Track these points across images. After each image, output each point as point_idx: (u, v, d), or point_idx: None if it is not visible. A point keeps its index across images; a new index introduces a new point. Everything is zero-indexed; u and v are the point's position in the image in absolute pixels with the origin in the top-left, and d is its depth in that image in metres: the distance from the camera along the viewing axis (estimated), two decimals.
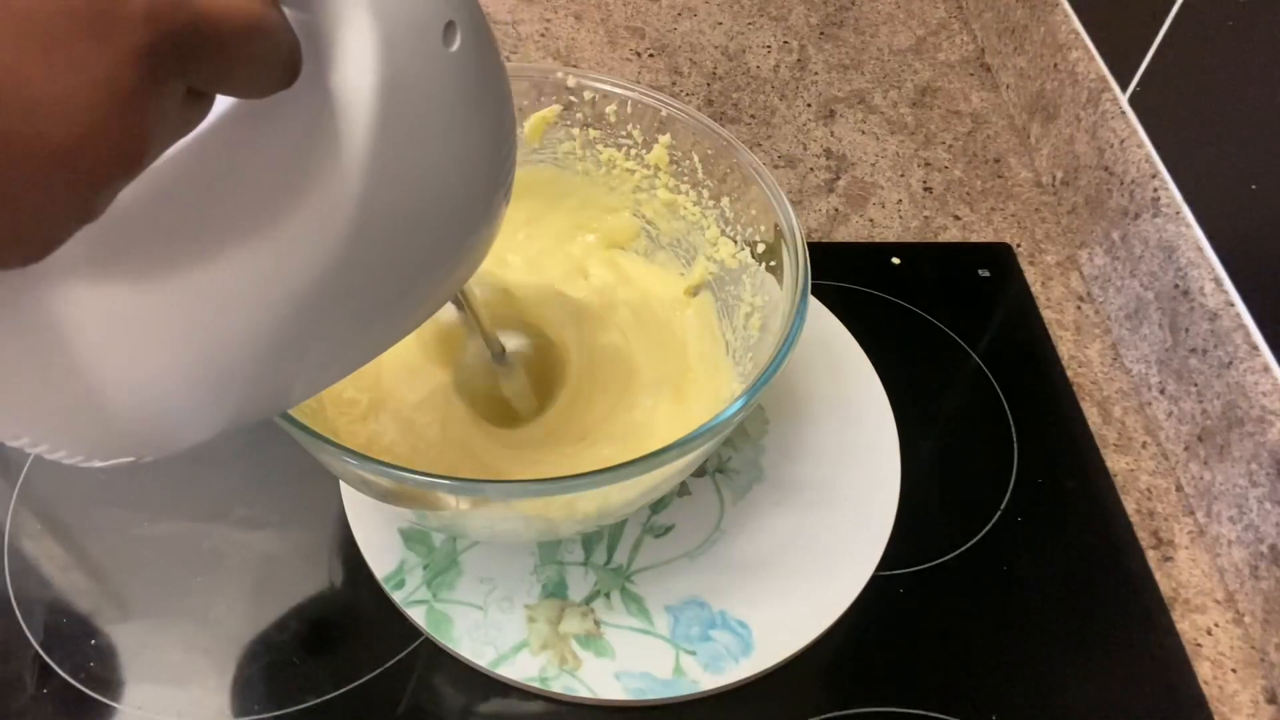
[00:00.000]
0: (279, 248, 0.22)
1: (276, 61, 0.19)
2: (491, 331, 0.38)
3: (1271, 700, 0.41)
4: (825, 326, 0.52)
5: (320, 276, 0.22)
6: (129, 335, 0.22)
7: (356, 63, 0.21)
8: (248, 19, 0.17)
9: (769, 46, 0.72)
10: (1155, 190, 0.51)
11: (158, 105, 0.17)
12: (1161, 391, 0.50)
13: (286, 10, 0.19)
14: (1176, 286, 0.49)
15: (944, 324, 0.54)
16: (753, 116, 0.66)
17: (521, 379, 0.41)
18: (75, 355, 0.21)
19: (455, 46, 0.23)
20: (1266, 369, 0.43)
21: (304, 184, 0.21)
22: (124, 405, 0.22)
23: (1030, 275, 0.58)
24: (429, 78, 0.22)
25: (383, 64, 0.21)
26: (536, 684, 0.39)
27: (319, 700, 0.39)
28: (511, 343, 0.41)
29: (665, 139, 0.45)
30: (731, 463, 0.47)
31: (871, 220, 0.60)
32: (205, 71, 0.18)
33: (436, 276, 0.27)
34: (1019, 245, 0.59)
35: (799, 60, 0.71)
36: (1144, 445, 0.50)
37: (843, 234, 0.59)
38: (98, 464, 0.23)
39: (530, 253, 0.48)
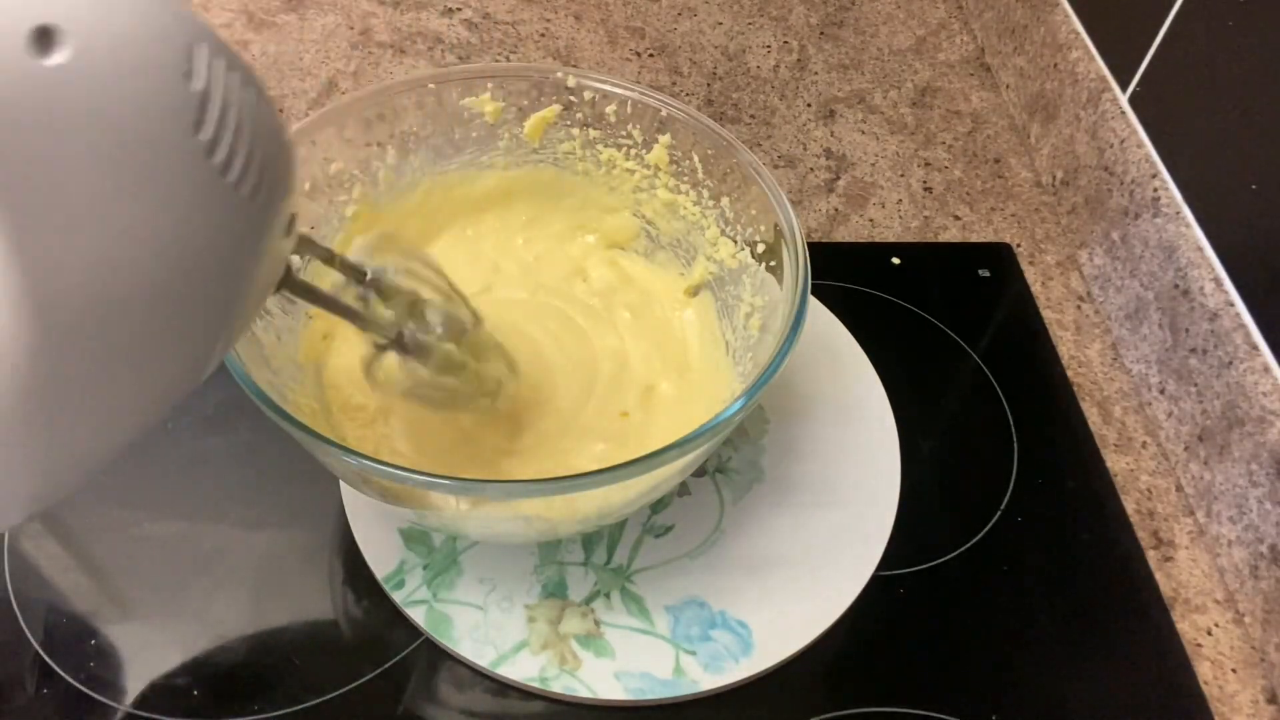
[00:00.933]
0: None
1: None
2: (379, 315, 0.34)
3: (1271, 700, 0.41)
4: (825, 326, 0.52)
5: (19, 377, 0.18)
6: None
7: None
8: None
9: (769, 46, 0.72)
10: (1155, 190, 0.51)
11: None
12: (1161, 391, 0.50)
13: None
14: (1176, 286, 0.49)
15: (944, 324, 0.54)
16: (753, 116, 0.66)
17: (435, 358, 0.36)
18: None
19: (55, 60, 0.16)
20: (1266, 369, 0.43)
21: None
22: None
23: (1030, 275, 0.58)
24: (21, 102, 0.16)
25: None
26: (536, 684, 0.39)
27: (319, 700, 0.39)
28: (425, 317, 0.36)
29: (665, 139, 0.45)
30: (731, 463, 0.47)
31: (871, 220, 0.60)
32: None
33: (180, 355, 0.22)
34: (1019, 245, 0.59)
35: (799, 60, 0.71)
36: (1144, 445, 0.50)
37: (843, 234, 0.59)
38: None
39: (528, 255, 0.48)
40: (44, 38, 0.16)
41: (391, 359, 0.35)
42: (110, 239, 0.17)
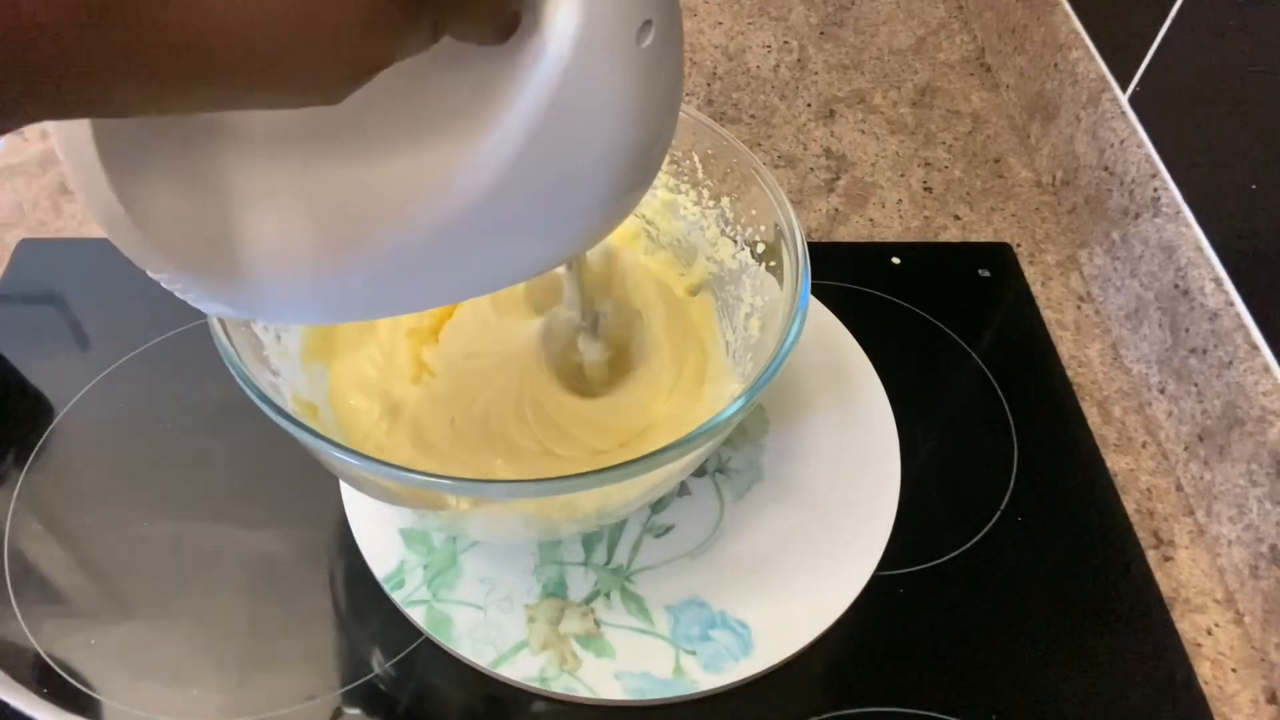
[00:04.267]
0: (440, 169, 0.24)
1: (503, 20, 0.22)
2: (589, 298, 0.40)
3: (1271, 700, 0.41)
4: (825, 326, 0.52)
5: (461, 208, 0.25)
6: (284, 209, 0.25)
7: (557, 35, 0.23)
8: None
9: (769, 46, 0.72)
10: (1155, 190, 0.51)
11: (407, 31, 0.20)
12: (1161, 391, 0.50)
13: None
14: (1176, 286, 0.49)
15: (944, 324, 0.54)
16: (753, 116, 0.66)
17: (602, 347, 0.42)
18: (234, 213, 0.25)
19: (647, 43, 0.24)
20: (1266, 369, 0.43)
21: (483, 119, 0.24)
22: (262, 268, 0.25)
23: (1030, 275, 0.58)
24: (615, 65, 0.24)
25: (578, 42, 0.23)
26: (536, 684, 0.39)
27: (319, 700, 0.39)
28: (607, 305, 0.43)
29: None
30: (731, 463, 0.47)
31: (871, 220, 0.60)
32: (450, 16, 0.21)
33: (564, 238, 0.28)
34: (1019, 245, 0.59)
35: (799, 60, 0.71)
36: (1144, 445, 0.50)
37: (843, 234, 0.59)
38: (219, 311, 0.27)
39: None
40: (645, 28, 0.24)
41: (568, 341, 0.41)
42: (598, 138, 0.25)
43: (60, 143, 0.23)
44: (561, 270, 0.39)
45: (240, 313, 0.27)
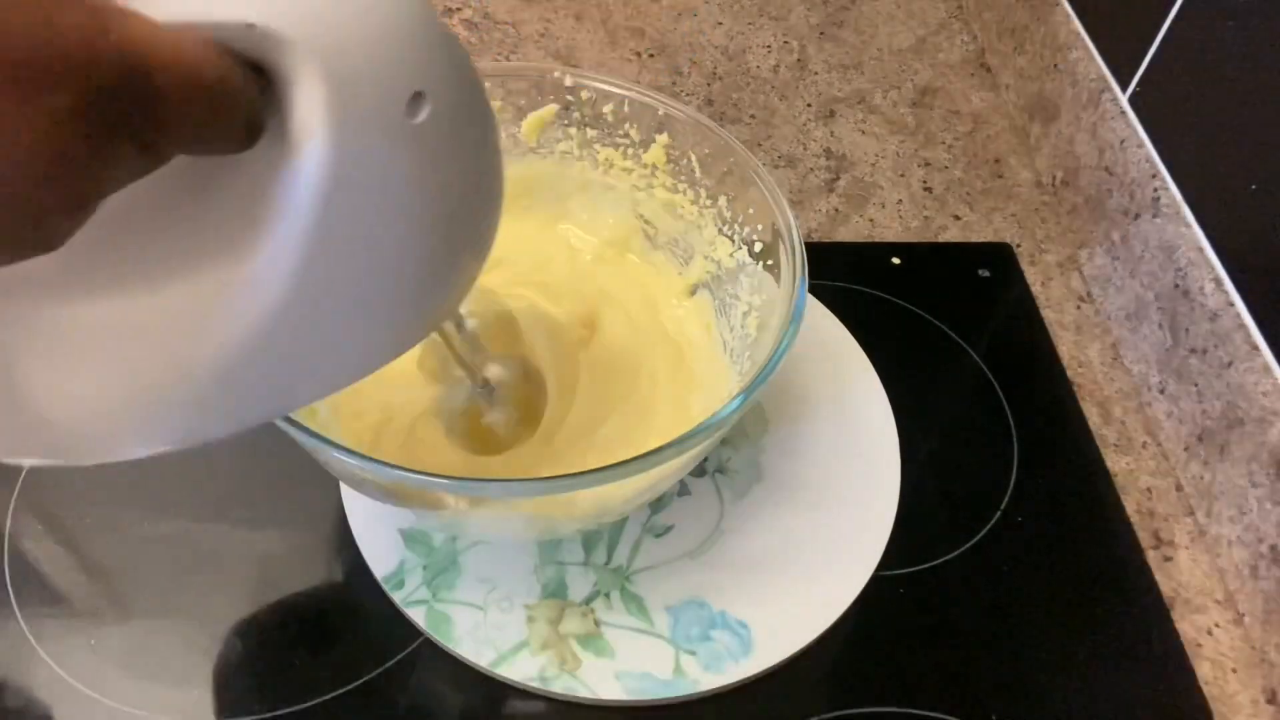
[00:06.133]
0: (221, 287, 0.22)
1: (236, 127, 0.19)
2: (473, 362, 0.37)
3: (1271, 700, 0.41)
4: (825, 326, 0.52)
5: (260, 319, 0.22)
6: (64, 350, 0.22)
7: (308, 126, 0.20)
8: (197, 79, 0.18)
9: (769, 46, 0.72)
10: (1155, 190, 0.51)
11: (101, 160, 0.17)
12: (1161, 391, 0.50)
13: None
14: (1176, 286, 0.49)
15: (944, 324, 0.54)
16: (753, 116, 0.66)
17: (506, 409, 0.40)
18: (10, 363, 0.22)
19: (421, 118, 0.22)
20: (1266, 369, 0.43)
21: (251, 231, 0.21)
22: (58, 415, 0.23)
23: (1030, 275, 0.58)
24: (385, 147, 0.22)
25: (335, 129, 0.20)
26: (536, 684, 0.39)
27: (319, 700, 0.39)
28: (495, 370, 0.39)
29: (663, 138, 0.45)
30: (731, 463, 0.47)
31: (871, 220, 0.60)
32: (156, 132, 0.18)
33: (391, 328, 0.26)
34: (1019, 245, 0.59)
35: (799, 60, 0.71)
36: (1144, 445, 0.50)
37: (843, 234, 0.59)
38: (32, 463, 0.24)
39: (526, 252, 0.48)
40: (417, 101, 0.22)
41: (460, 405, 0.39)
42: (389, 229, 0.23)
43: None
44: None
45: (60, 462, 0.24)
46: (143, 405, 0.23)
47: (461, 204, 0.25)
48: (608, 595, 0.42)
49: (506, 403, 0.39)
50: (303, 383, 0.25)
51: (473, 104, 0.25)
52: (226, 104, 0.19)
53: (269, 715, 0.39)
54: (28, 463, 0.24)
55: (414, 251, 0.24)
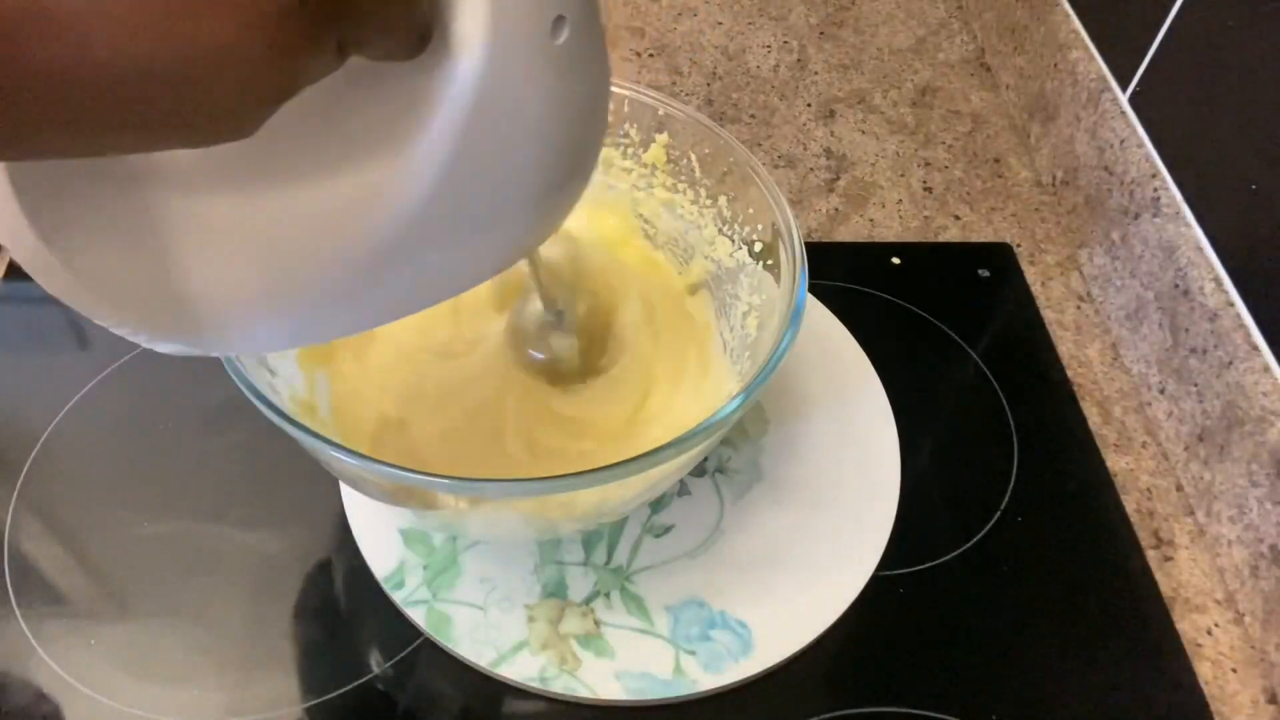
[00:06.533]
0: (365, 190, 0.24)
1: (413, 34, 0.21)
2: (552, 293, 0.40)
3: (1271, 700, 0.41)
4: (825, 326, 0.52)
5: (396, 223, 0.24)
6: (220, 245, 0.24)
7: (466, 41, 0.22)
8: None
9: (769, 46, 0.72)
10: (1155, 190, 0.51)
11: (310, 52, 0.19)
12: (1161, 391, 0.50)
13: None
14: (1176, 286, 0.49)
15: (944, 324, 0.54)
16: (752, 116, 0.66)
17: (572, 340, 0.42)
18: (171, 254, 0.24)
19: (562, 39, 0.24)
20: (1266, 369, 0.43)
21: (401, 138, 0.23)
22: (207, 306, 0.25)
23: (1030, 275, 0.58)
24: (531, 65, 0.24)
25: (489, 46, 0.22)
26: (536, 684, 0.39)
27: (319, 700, 0.39)
28: (568, 303, 0.42)
29: (662, 138, 0.45)
30: (731, 463, 0.47)
31: (871, 220, 0.60)
32: (355, 32, 0.20)
33: (507, 241, 0.28)
34: (1019, 245, 0.59)
35: (799, 60, 0.71)
36: (1144, 445, 0.50)
37: (843, 234, 0.59)
38: (175, 350, 0.26)
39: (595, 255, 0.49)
40: (559, 24, 0.24)
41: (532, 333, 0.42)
42: (524, 139, 0.25)
43: None
44: (524, 266, 0.39)
45: (196, 350, 0.27)
46: (288, 295, 0.25)
47: (583, 124, 0.27)
48: (608, 595, 0.42)
49: (572, 331, 0.42)
50: (436, 281, 0.27)
51: (598, 31, 0.27)
52: (409, 8, 0.21)
53: (269, 715, 0.39)
54: (173, 348, 0.26)
55: (542, 164, 0.26)
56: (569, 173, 0.28)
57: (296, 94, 0.20)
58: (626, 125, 0.46)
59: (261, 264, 0.25)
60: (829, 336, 0.52)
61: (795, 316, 0.37)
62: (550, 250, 0.43)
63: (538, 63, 0.24)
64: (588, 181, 0.30)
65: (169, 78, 0.17)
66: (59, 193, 0.23)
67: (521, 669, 0.40)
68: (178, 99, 0.18)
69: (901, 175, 0.63)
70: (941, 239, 0.60)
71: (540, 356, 0.43)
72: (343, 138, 0.24)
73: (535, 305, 0.41)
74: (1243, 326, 0.45)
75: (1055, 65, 0.61)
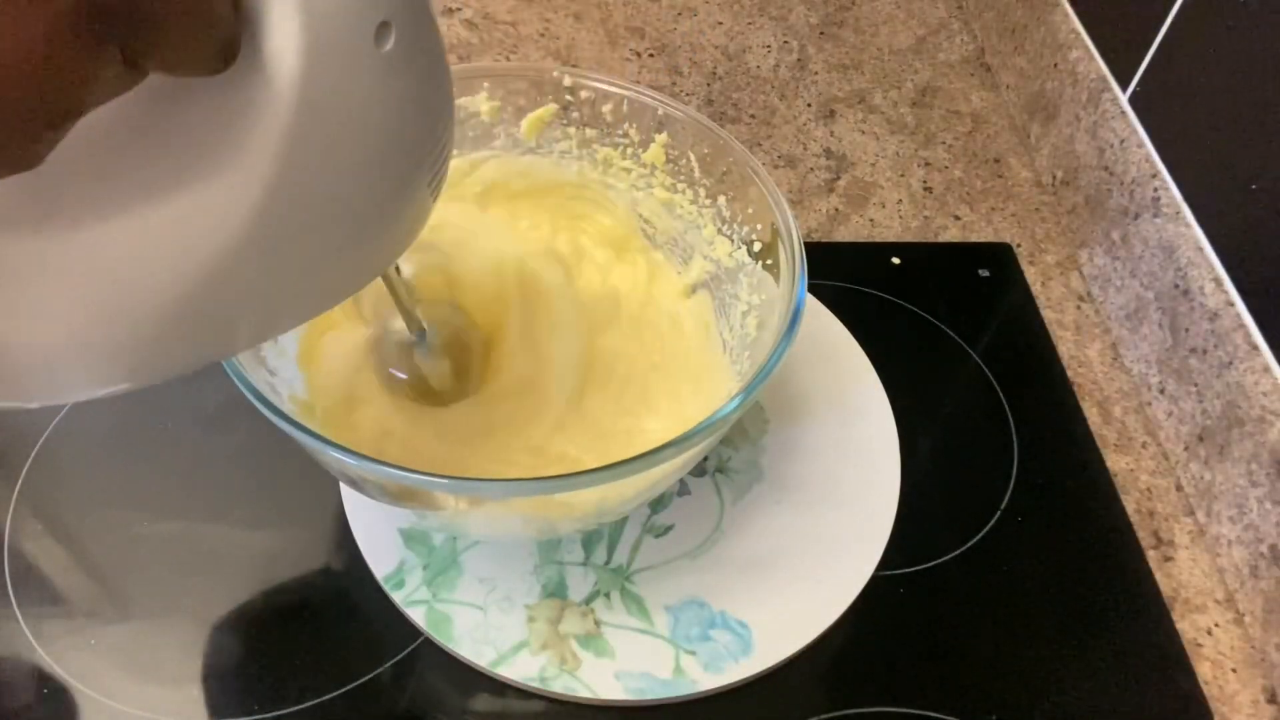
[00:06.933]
0: (185, 217, 0.22)
1: (214, 48, 0.20)
2: (413, 311, 0.37)
3: (1271, 700, 0.41)
4: (825, 326, 0.52)
5: (222, 251, 0.23)
6: (19, 285, 0.22)
7: (281, 53, 0.21)
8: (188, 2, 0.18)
9: (769, 46, 0.72)
10: (1155, 190, 0.51)
11: (91, 68, 0.17)
12: (1161, 391, 0.50)
13: None
14: (1176, 286, 0.49)
15: (944, 324, 0.54)
16: (753, 116, 0.66)
17: (441, 361, 0.40)
18: None
19: (388, 46, 0.23)
20: (1266, 369, 0.43)
21: (218, 159, 0.22)
22: (21, 351, 0.23)
23: (1030, 275, 0.58)
24: (354, 76, 0.23)
25: (307, 57, 0.21)
26: (536, 684, 0.39)
27: (319, 700, 0.39)
28: (431, 318, 0.40)
29: (662, 138, 0.45)
30: (731, 463, 0.47)
31: (871, 220, 0.60)
32: (141, 45, 0.18)
33: (350, 261, 0.27)
34: (1019, 245, 0.59)
35: (799, 60, 0.71)
36: (1144, 445, 0.50)
37: (843, 234, 0.59)
38: None
39: (525, 253, 0.48)
40: (383, 30, 0.22)
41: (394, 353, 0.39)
42: (355, 154, 0.24)
43: None
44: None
45: (13, 405, 0.24)
46: (102, 340, 0.23)
47: (421, 132, 0.26)
48: (608, 595, 0.42)
49: (438, 353, 0.40)
50: (265, 315, 0.26)
51: (431, 34, 0.25)
52: (206, 21, 0.19)
53: (269, 715, 0.39)
54: None
55: (377, 179, 0.25)
56: (411, 181, 0.26)
57: (82, 116, 0.18)
58: (626, 125, 0.46)
59: (77, 303, 0.22)
60: (829, 336, 0.52)
61: (795, 316, 0.37)
62: (415, 263, 0.41)
63: (362, 71, 0.23)
64: (437, 191, 0.28)
65: None
66: None
67: (521, 669, 0.40)
68: None
69: (901, 175, 0.63)
70: (941, 239, 0.60)
71: (402, 376, 0.40)
72: (163, 159, 0.22)
73: (397, 322, 0.38)
74: (1243, 326, 0.45)
75: (1055, 65, 0.61)
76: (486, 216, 0.48)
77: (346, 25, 0.22)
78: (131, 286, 0.23)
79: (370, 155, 0.24)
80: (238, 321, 0.25)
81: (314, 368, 0.42)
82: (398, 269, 0.35)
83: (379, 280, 0.33)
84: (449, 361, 0.40)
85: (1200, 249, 0.48)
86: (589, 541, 0.44)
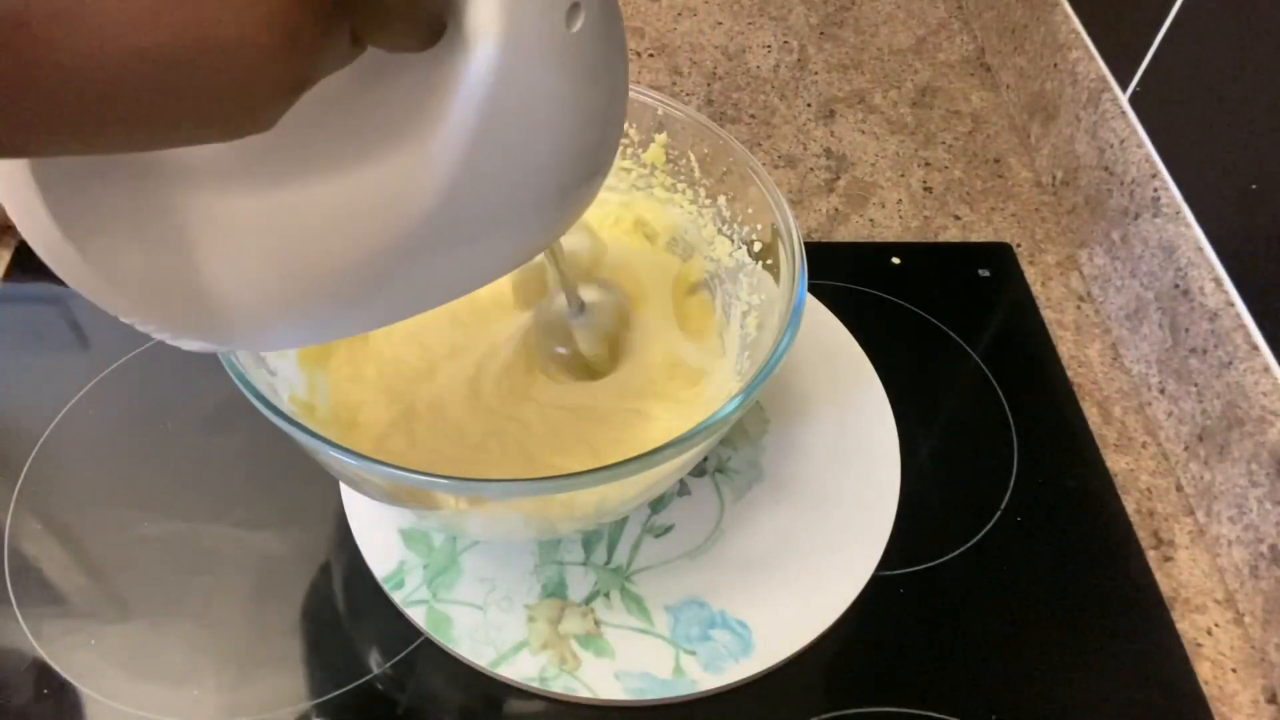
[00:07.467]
0: (383, 184, 0.24)
1: (427, 23, 0.21)
2: (574, 285, 0.40)
3: (1271, 700, 0.41)
4: (825, 326, 0.52)
5: (414, 217, 0.24)
6: (240, 241, 0.24)
7: (481, 32, 0.22)
8: None
9: (769, 46, 0.72)
10: (1155, 190, 0.51)
11: (324, 43, 0.19)
12: (1161, 391, 0.50)
13: None
14: (1176, 286, 0.49)
15: (944, 324, 0.54)
16: (753, 116, 0.66)
17: (597, 333, 0.42)
18: (192, 251, 0.24)
19: (577, 27, 0.24)
20: (1266, 369, 0.43)
21: (415, 133, 0.23)
22: (228, 302, 0.25)
23: (1030, 275, 0.58)
24: (546, 54, 0.24)
25: (504, 36, 0.22)
26: (536, 684, 0.39)
27: (319, 700, 0.39)
28: (590, 296, 0.42)
29: (662, 138, 0.45)
30: (731, 463, 0.47)
31: (871, 220, 0.60)
32: (369, 22, 0.20)
33: (526, 234, 0.28)
34: (1019, 245, 0.59)
35: (799, 60, 0.71)
36: (1144, 445, 0.50)
37: (843, 234, 0.59)
38: (196, 347, 0.26)
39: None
40: (574, 12, 0.24)
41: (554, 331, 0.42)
42: (541, 128, 0.25)
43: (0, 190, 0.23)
44: (544, 261, 0.39)
45: (216, 347, 0.27)
46: (306, 292, 0.25)
47: (601, 113, 0.27)
48: (608, 595, 0.42)
49: (596, 327, 0.42)
50: (444, 281, 0.27)
51: (615, 16, 0.26)
52: (427, 7, 0.21)
53: (269, 715, 0.39)
54: (192, 345, 0.26)
55: (560, 154, 0.26)
56: (588, 163, 0.28)
57: (312, 86, 0.20)
58: (625, 125, 0.46)
59: (280, 261, 0.25)
60: (829, 336, 0.52)
61: (795, 316, 0.37)
62: (569, 243, 0.43)
63: (553, 51, 0.24)
64: (606, 173, 0.29)
65: (184, 71, 0.17)
66: (82, 188, 0.23)
67: (521, 669, 0.40)
68: (193, 93, 0.18)
69: (901, 175, 0.63)
70: (941, 239, 0.60)
71: (564, 351, 0.43)
72: (360, 132, 0.24)
73: (559, 300, 0.42)
74: (1243, 326, 0.45)
75: (1055, 65, 0.61)
76: None
77: (541, 6, 0.23)
78: (334, 243, 0.24)
79: (556, 129, 0.25)
80: (420, 283, 0.27)
81: (329, 371, 0.42)
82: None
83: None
84: (607, 336, 0.43)
85: (1200, 249, 0.48)
86: (589, 541, 0.44)
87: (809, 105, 0.68)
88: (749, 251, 0.43)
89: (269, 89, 0.19)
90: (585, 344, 0.42)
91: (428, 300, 0.28)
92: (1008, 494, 0.47)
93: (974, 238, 0.60)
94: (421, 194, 0.24)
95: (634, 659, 0.40)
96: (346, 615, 0.42)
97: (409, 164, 0.24)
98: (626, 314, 0.45)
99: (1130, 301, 0.53)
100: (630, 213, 0.48)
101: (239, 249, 0.24)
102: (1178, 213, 0.49)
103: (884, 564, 0.44)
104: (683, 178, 0.46)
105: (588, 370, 0.43)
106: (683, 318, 0.46)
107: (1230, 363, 0.45)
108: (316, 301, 0.25)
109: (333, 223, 0.24)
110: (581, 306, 0.42)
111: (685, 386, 0.44)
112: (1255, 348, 0.44)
